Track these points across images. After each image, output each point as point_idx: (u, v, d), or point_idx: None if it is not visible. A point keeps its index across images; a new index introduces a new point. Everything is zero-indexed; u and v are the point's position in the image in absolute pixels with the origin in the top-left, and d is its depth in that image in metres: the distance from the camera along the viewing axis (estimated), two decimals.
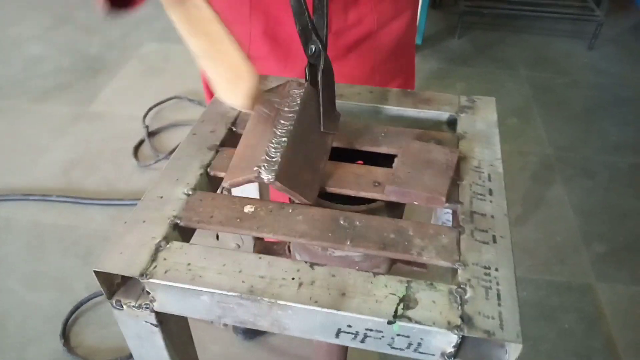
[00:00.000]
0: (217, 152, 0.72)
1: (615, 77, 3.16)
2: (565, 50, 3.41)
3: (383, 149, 0.73)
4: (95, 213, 2.15)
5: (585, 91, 3.04)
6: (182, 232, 0.64)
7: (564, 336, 1.79)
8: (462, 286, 0.56)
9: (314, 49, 0.67)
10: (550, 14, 3.47)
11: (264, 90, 0.70)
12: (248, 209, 0.64)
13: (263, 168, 0.59)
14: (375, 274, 0.57)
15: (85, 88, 2.91)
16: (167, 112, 2.74)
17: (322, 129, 0.69)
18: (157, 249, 0.59)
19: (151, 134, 2.56)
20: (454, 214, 0.67)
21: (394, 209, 0.71)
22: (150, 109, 2.72)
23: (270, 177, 0.58)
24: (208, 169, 0.70)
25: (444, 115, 0.81)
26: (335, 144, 0.72)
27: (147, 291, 0.58)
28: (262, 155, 0.60)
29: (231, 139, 0.77)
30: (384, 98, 0.83)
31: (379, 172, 0.69)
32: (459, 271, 0.57)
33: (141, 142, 2.52)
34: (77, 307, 1.76)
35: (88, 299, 1.79)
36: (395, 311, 0.53)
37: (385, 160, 0.72)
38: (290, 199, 0.66)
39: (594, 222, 2.21)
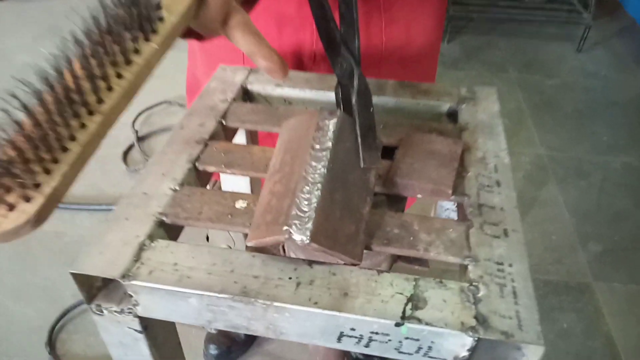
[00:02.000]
0: (206, 145, 0.67)
1: (604, 79, 3.16)
2: (555, 53, 3.41)
3: (383, 140, 0.69)
4: (83, 219, 2.09)
5: (576, 93, 3.03)
6: (169, 230, 0.59)
7: (563, 336, 1.75)
8: (474, 283, 0.51)
9: (344, 66, 0.58)
10: (539, 18, 3.47)
11: (291, 119, 0.62)
12: (240, 204, 0.59)
13: (295, 227, 0.49)
14: (379, 271, 0.52)
15: None
16: (156, 117, 2.68)
17: (362, 165, 0.57)
18: (141, 248, 0.54)
19: (140, 139, 2.51)
20: (460, 207, 0.63)
21: (396, 203, 0.67)
22: (139, 114, 2.67)
23: (304, 237, 0.49)
24: (196, 164, 0.65)
25: (444, 106, 0.77)
26: None
27: (129, 294, 0.53)
28: (292, 209, 0.50)
29: (221, 132, 0.72)
30: (381, 89, 0.79)
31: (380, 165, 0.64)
32: (470, 267, 0.53)
33: (130, 147, 2.46)
34: (63, 315, 1.70)
35: (75, 306, 1.72)
36: (403, 312, 0.48)
37: (385, 153, 0.67)
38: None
39: (589, 222, 2.18)
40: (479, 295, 0.50)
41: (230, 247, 0.84)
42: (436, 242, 0.55)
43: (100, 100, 0.45)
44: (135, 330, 0.57)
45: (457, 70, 3.16)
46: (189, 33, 0.56)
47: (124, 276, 0.51)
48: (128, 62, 0.47)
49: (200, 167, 0.65)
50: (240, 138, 0.82)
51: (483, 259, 0.54)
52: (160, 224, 0.58)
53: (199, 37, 0.57)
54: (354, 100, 0.58)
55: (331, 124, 0.57)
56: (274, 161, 0.59)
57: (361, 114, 0.58)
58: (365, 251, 0.55)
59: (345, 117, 0.59)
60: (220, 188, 0.94)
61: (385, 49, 0.90)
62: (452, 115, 0.77)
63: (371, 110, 0.59)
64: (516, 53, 3.40)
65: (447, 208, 0.93)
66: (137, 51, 0.48)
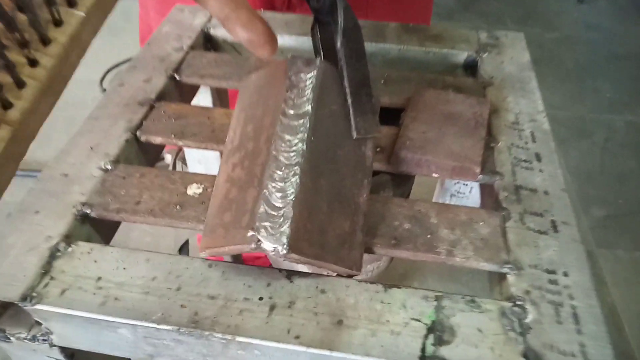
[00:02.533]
0: (151, 108, 0.51)
1: (607, 32, 2.99)
2: (555, 5, 3.21)
3: (384, 101, 0.53)
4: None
5: (577, 47, 2.86)
6: (97, 228, 0.43)
7: None
8: (518, 302, 0.37)
9: None
10: None
11: (251, 74, 0.46)
12: (194, 189, 0.43)
13: (265, 231, 0.34)
14: (386, 286, 0.37)
15: None
16: None
17: (354, 135, 0.42)
18: (53, 256, 0.39)
19: None
20: (487, 189, 0.47)
21: (401, 185, 0.51)
22: (107, 71, 2.45)
23: (278, 246, 0.33)
24: (137, 133, 0.49)
25: (460, 55, 0.61)
26: None
27: (37, 321, 0.38)
28: (260, 205, 0.35)
29: (173, 91, 0.55)
30: (379, 35, 0.62)
31: (380, 132, 0.48)
32: (511, 278, 0.38)
33: None
34: None
35: None
36: (423, 349, 0.34)
37: (387, 117, 0.52)
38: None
39: (591, 185, 2.06)
40: (527, 320, 0.36)
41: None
42: (463, 242, 0.40)
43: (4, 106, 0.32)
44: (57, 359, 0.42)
45: (452, 22, 2.96)
46: None
47: (25, 298, 0.36)
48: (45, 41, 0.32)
49: (143, 137, 0.48)
50: (203, 100, 0.66)
51: (528, 265, 0.39)
52: (83, 218, 0.42)
53: None
54: (338, 43, 0.42)
55: (308, 79, 0.40)
56: (231, 135, 0.43)
57: (350, 62, 0.42)
58: (369, 253, 0.40)
59: (327, 69, 0.42)
60: (183, 163, 0.78)
61: None
62: (470, 67, 0.61)
63: (363, 56, 0.43)
64: (514, 4, 3.20)
65: (456, 182, 0.78)
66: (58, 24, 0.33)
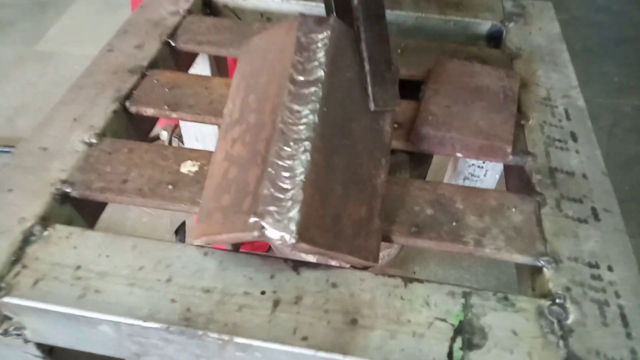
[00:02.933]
0: (143, 77, 0.46)
1: (617, 15, 2.91)
2: None
3: (401, 72, 0.48)
4: None
5: (585, 29, 2.79)
6: (79, 209, 0.38)
7: None
8: (558, 300, 0.32)
9: None
10: None
11: (253, 37, 0.40)
12: (189, 167, 0.38)
13: (270, 217, 0.29)
14: (405, 280, 0.33)
15: (31, 25, 2.55)
16: None
17: (372, 107, 0.37)
18: (26, 240, 0.34)
19: None
20: (517, 172, 0.42)
21: (419, 166, 0.47)
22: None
23: (286, 234, 0.28)
24: (127, 103, 0.43)
25: (483, 25, 0.55)
26: None
27: (6, 315, 0.33)
28: (265, 186, 0.30)
29: (168, 58, 0.50)
30: (396, 2, 0.57)
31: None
32: (549, 272, 0.34)
33: None
34: None
35: None
36: (450, 354, 0.29)
37: (406, 90, 0.46)
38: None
39: None
40: (569, 322, 0.31)
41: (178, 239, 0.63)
42: (493, 231, 0.35)
43: None
44: (34, 355, 0.38)
45: None
46: None
47: None
48: None
49: (132, 108, 0.43)
50: (201, 69, 0.60)
51: (567, 257, 0.34)
52: (63, 198, 0.37)
53: None
54: (355, 1, 0.36)
55: (321, 40, 0.35)
56: (230, 107, 0.37)
57: (368, 22, 0.36)
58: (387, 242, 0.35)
59: (342, 29, 0.37)
60: (180, 141, 0.72)
61: None
62: (494, 38, 0.56)
63: (383, 16, 0.37)
64: None
65: (471, 163, 0.73)
66: None
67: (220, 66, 0.62)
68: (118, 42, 0.49)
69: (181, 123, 0.72)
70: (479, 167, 0.74)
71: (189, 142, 0.70)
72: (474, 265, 1.59)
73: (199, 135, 0.69)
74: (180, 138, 0.70)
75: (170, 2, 0.54)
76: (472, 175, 0.74)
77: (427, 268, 1.62)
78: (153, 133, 0.81)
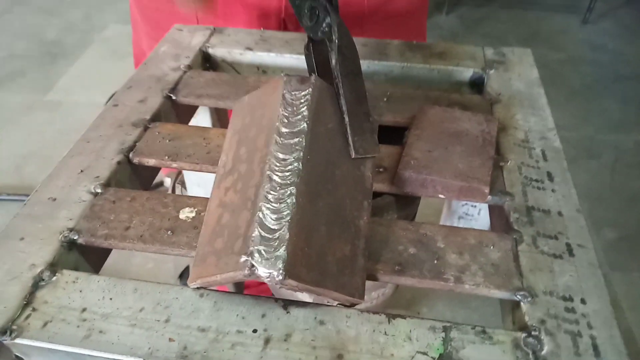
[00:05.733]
0: (146, 129, 0.49)
1: (613, 53, 2.97)
2: (559, 25, 3.21)
3: (387, 119, 0.51)
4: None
5: (583, 67, 2.85)
6: (85, 255, 0.41)
7: None
8: (533, 333, 0.34)
9: (317, 14, 0.41)
10: None
11: (245, 96, 0.44)
12: (186, 213, 0.41)
13: (259, 255, 0.31)
14: (389, 316, 0.35)
15: (42, 75, 2.63)
16: None
17: (353, 155, 0.40)
18: (36, 285, 0.36)
19: None
20: (497, 211, 0.45)
21: (406, 207, 0.49)
22: (113, 95, 2.46)
23: (274, 271, 0.31)
24: (130, 155, 0.47)
25: (465, 72, 0.59)
26: None
27: (17, 356, 0.35)
28: (254, 228, 0.32)
29: (170, 111, 0.54)
30: (382, 52, 0.60)
31: (383, 151, 0.46)
32: (524, 306, 0.35)
33: None
34: None
35: None
36: None
37: (390, 135, 0.50)
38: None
39: (602, 206, 2.02)
40: (543, 352, 0.33)
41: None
42: (472, 267, 0.37)
43: None
44: None
45: (456, 44, 2.97)
46: None
47: (4, 331, 0.34)
48: None
49: (135, 159, 0.46)
50: (202, 120, 0.64)
51: (542, 291, 0.36)
52: (70, 245, 0.40)
53: None
54: (333, 60, 0.40)
55: (304, 97, 0.38)
56: (224, 159, 0.40)
57: (346, 79, 0.40)
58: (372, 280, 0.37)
59: (323, 86, 0.40)
60: (183, 187, 0.76)
61: (367, 4, 0.72)
62: (477, 85, 0.59)
63: (359, 73, 0.41)
64: (518, 25, 3.21)
65: (464, 203, 0.75)
66: None
67: (221, 116, 0.66)
68: (123, 97, 0.53)
69: (184, 170, 0.75)
70: (472, 206, 0.76)
71: (191, 188, 0.73)
72: (482, 306, 1.58)
73: (200, 181, 0.72)
74: (183, 184, 0.73)
75: (172, 59, 0.59)
76: (467, 214, 0.77)
77: (435, 309, 1.62)
78: (157, 179, 0.84)
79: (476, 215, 0.76)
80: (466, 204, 0.75)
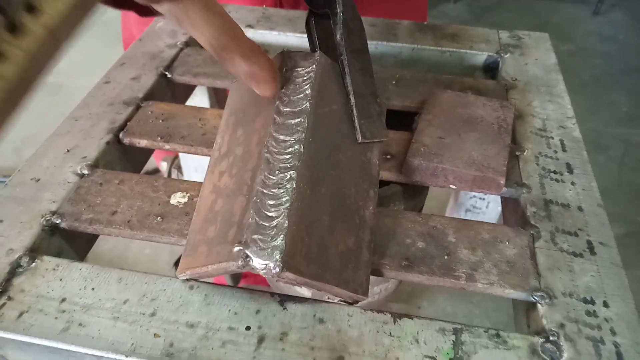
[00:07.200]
0: (138, 108, 0.46)
1: (623, 45, 2.92)
2: (569, 16, 3.16)
3: (396, 103, 0.48)
4: None
5: (592, 59, 2.80)
6: (68, 241, 0.38)
7: None
8: (552, 338, 0.31)
9: None
10: None
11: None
12: (178, 198, 0.38)
13: (255, 246, 0.28)
14: (395, 316, 0.32)
15: None
16: None
17: (359, 139, 0.37)
18: (13, 272, 0.34)
19: None
20: (511, 204, 0.42)
21: (413, 197, 0.46)
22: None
23: (270, 263, 0.28)
24: (120, 134, 0.44)
25: (479, 56, 0.56)
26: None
27: None
28: (250, 215, 0.29)
29: (165, 90, 0.51)
30: (391, 33, 0.57)
31: (391, 137, 0.43)
32: (542, 308, 0.33)
33: None
34: None
35: None
36: None
37: (399, 121, 0.46)
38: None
39: (609, 201, 1.97)
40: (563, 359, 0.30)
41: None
42: (485, 265, 0.34)
43: None
44: None
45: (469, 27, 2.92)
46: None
47: None
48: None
49: (126, 139, 0.44)
50: (200, 101, 0.61)
51: (561, 292, 0.33)
52: (53, 229, 0.37)
53: (134, 7, 0.33)
54: (338, 36, 0.36)
55: (306, 74, 0.35)
56: (219, 142, 0.37)
57: (352, 56, 0.37)
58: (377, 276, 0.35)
59: (328, 63, 0.37)
60: (179, 172, 0.73)
61: None
62: (490, 69, 0.56)
63: (366, 50, 0.38)
64: (527, 15, 3.15)
65: (472, 195, 0.72)
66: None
67: (220, 98, 0.63)
68: (115, 74, 0.50)
69: (180, 154, 0.72)
70: (480, 199, 0.73)
71: (189, 173, 0.70)
72: (484, 300, 1.56)
73: (198, 166, 0.69)
74: (179, 169, 0.70)
75: (168, 35, 0.55)
76: (474, 207, 0.74)
77: (435, 303, 1.60)
78: (153, 167, 0.81)
79: (484, 208, 0.73)
80: (474, 196, 0.72)
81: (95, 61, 2.61)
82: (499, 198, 0.70)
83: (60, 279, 0.33)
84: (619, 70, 2.77)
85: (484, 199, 0.72)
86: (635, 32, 3.09)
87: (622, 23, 3.16)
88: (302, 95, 0.33)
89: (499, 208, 0.71)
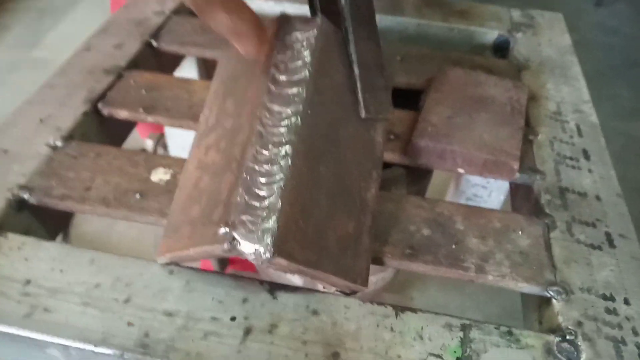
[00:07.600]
0: (119, 77, 0.43)
1: (626, 37, 2.89)
2: (571, 7, 3.11)
3: (401, 80, 0.44)
4: None
5: (595, 52, 2.77)
6: (38, 218, 0.35)
7: None
8: (568, 337, 0.28)
9: None
10: None
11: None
12: (160, 175, 0.35)
13: (242, 226, 0.25)
14: (397, 309, 0.29)
15: (27, 31, 2.54)
16: None
17: (362, 115, 0.34)
18: None
19: None
20: (523, 191, 0.39)
21: (418, 181, 0.43)
22: None
23: (260, 247, 0.24)
24: (99, 104, 0.40)
25: (489, 34, 0.52)
26: None
27: None
28: (238, 193, 0.26)
29: (150, 59, 0.47)
30: (396, 7, 0.53)
31: (395, 116, 0.40)
32: (557, 304, 0.30)
33: None
34: None
35: None
36: None
37: (404, 99, 0.43)
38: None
39: None
40: None
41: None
42: (497, 255, 0.31)
43: None
44: None
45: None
46: None
47: None
48: None
49: (105, 110, 0.40)
50: (188, 72, 0.57)
51: (579, 288, 0.30)
52: (20, 204, 0.33)
53: None
54: (342, 0, 0.33)
55: (306, 39, 0.31)
56: (207, 113, 0.34)
57: (357, 24, 0.33)
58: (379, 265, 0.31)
59: (330, 29, 0.33)
60: (165, 150, 0.69)
61: None
62: (501, 49, 0.52)
63: (373, 18, 0.34)
64: (529, 4, 3.11)
65: (475, 183, 0.69)
66: None
67: (209, 70, 0.59)
68: (96, 41, 0.46)
69: (166, 131, 0.68)
70: (482, 187, 0.70)
71: (175, 152, 0.67)
72: (476, 292, 1.53)
73: (185, 144, 0.65)
74: (165, 147, 0.67)
75: (157, 2, 0.51)
76: (476, 195, 0.71)
77: (427, 293, 1.56)
78: (139, 146, 0.77)
79: (486, 197, 0.70)
80: (476, 184, 0.69)
81: (82, 35, 2.56)
82: (502, 187, 0.67)
83: (26, 259, 0.30)
84: (622, 63, 2.74)
85: (486, 187, 0.69)
86: (638, 24, 3.06)
87: (625, 15, 3.12)
88: (300, 62, 0.30)
89: (502, 197, 0.68)
